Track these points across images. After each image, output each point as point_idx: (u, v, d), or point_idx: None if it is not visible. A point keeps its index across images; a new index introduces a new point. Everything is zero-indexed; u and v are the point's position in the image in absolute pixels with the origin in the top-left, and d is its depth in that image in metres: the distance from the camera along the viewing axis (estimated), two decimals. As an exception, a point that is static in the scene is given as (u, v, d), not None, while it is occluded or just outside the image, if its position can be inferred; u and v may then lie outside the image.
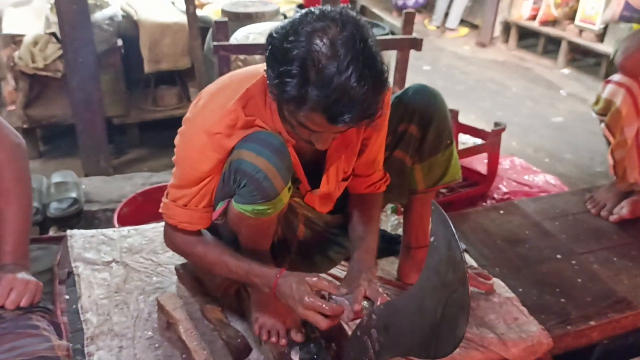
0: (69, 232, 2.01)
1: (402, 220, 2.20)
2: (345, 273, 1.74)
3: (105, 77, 3.34)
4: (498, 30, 5.79)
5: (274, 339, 1.53)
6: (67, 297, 1.76)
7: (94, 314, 1.70)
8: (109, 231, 2.05)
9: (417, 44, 2.64)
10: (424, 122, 1.62)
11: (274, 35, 1.17)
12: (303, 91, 1.11)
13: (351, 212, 1.60)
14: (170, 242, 1.52)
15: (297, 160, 1.40)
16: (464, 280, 0.92)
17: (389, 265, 1.94)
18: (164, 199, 1.46)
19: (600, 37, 4.91)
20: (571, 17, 5.19)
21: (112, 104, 3.47)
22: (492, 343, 1.66)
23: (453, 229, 0.92)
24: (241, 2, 3.17)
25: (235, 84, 1.34)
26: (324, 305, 1.24)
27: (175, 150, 1.40)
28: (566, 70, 5.18)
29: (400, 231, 2.14)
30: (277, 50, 1.14)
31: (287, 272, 1.32)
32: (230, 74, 1.42)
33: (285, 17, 3.23)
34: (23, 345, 1.23)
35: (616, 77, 2.10)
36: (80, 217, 2.48)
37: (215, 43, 2.50)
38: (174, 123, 3.75)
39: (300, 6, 3.35)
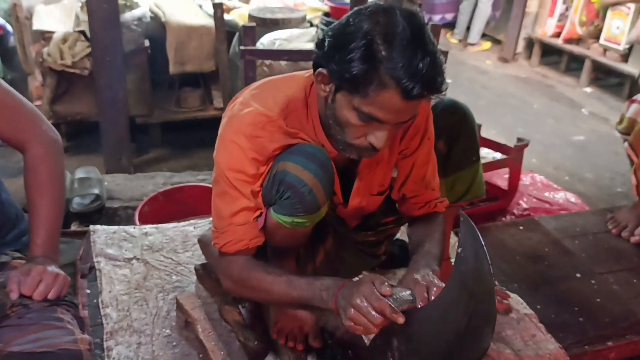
0: (92, 227, 2.04)
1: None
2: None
3: (130, 77, 3.38)
4: (521, 46, 5.77)
5: (291, 344, 1.54)
6: (88, 291, 1.79)
7: (114, 309, 1.72)
8: (130, 228, 2.08)
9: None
10: (451, 138, 1.63)
11: (331, 29, 1.20)
12: (371, 66, 1.11)
13: (409, 235, 1.57)
14: (226, 278, 1.42)
15: (336, 174, 1.39)
16: (491, 292, 0.92)
17: (407, 276, 1.93)
18: (213, 234, 1.39)
19: (625, 57, 4.86)
20: (596, 35, 5.16)
21: (136, 103, 3.51)
22: (508, 359, 1.65)
23: (482, 240, 0.92)
24: (268, 8, 3.20)
25: (274, 90, 1.34)
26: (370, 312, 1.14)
27: (215, 160, 1.35)
28: (589, 89, 5.15)
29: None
30: (337, 38, 1.17)
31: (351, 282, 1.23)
32: (266, 80, 1.42)
33: (311, 24, 3.26)
34: (47, 337, 1.24)
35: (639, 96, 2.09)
36: (102, 213, 2.51)
37: (242, 47, 2.53)
38: (196, 124, 3.87)
39: (327, 14, 3.37)
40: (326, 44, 1.19)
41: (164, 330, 1.68)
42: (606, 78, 5.32)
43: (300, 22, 3.07)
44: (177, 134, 3.89)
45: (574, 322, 1.84)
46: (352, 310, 1.14)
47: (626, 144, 2.15)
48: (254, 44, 2.60)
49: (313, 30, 3.07)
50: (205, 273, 1.81)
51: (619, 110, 4.60)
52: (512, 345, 1.70)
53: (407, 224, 1.62)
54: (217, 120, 4.06)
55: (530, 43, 5.74)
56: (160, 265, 1.91)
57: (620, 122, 2.17)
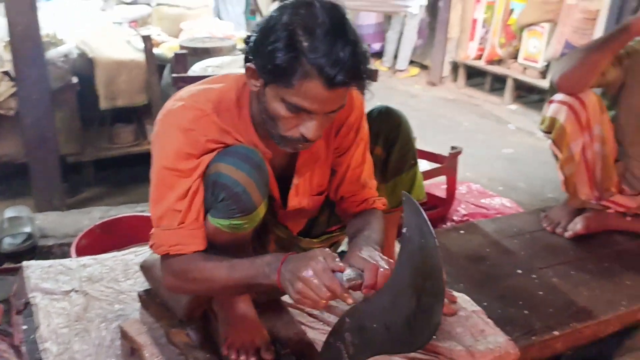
0: (24, 263, 1.95)
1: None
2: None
3: (59, 115, 3.28)
4: (447, 70, 6.00)
5: (243, 358, 1.50)
6: (24, 327, 1.69)
7: (54, 343, 1.63)
8: (66, 261, 2.00)
9: (372, 75, 2.72)
10: (388, 143, 1.66)
11: (257, 25, 1.22)
12: (294, 56, 1.12)
13: (348, 230, 1.55)
14: (168, 275, 1.38)
15: (272, 176, 1.40)
16: (438, 266, 0.93)
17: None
18: (151, 232, 1.37)
19: (543, 74, 5.14)
20: (515, 56, 5.44)
21: (66, 141, 3.40)
22: (460, 355, 1.67)
23: (425, 217, 0.94)
24: (198, 38, 3.21)
25: (207, 88, 1.35)
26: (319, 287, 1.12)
27: (152, 161, 1.33)
28: (513, 106, 5.39)
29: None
30: (261, 32, 1.18)
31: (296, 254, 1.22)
32: (200, 82, 1.42)
33: (241, 52, 3.29)
34: (-19, 368, 1.17)
35: (558, 96, 2.20)
36: (35, 252, 2.40)
37: (174, 75, 2.51)
38: (131, 160, 3.78)
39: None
40: (252, 39, 1.22)
41: (108, 359, 1.60)
42: (528, 95, 5.59)
43: (231, 50, 3.09)
44: (111, 171, 3.79)
45: (520, 315, 1.88)
46: (301, 284, 1.13)
47: (550, 141, 2.25)
48: (186, 72, 2.59)
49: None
50: (149, 299, 1.76)
51: (543, 124, 4.86)
52: (463, 342, 1.71)
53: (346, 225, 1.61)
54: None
55: (455, 66, 5.98)
56: (101, 296, 1.83)
57: (543, 122, 2.28)
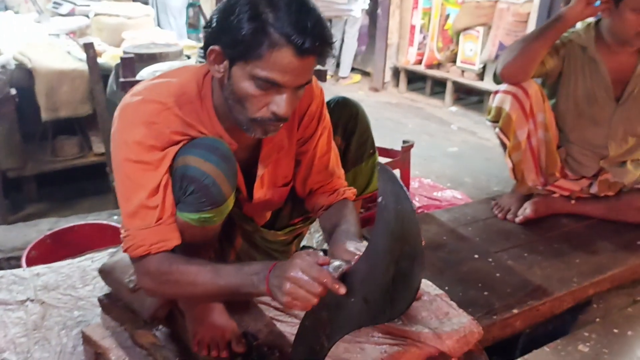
0: (-26, 275, 1.86)
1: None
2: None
3: (-2, 128, 3.17)
4: (389, 76, 6.13)
5: (214, 353, 1.48)
6: (-22, 339, 1.61)
7: (12, 353, 1.57)
8: (19, 271, 1.92)
9: (321, 75, 2.76)
10: (347, 133, 1.68)
11: (218, 8, 1.21)
12: (261, 27, 1.13)
13: (322, 224, 1.55)
14: (144, 276, 1.32)
15: (238, 167, 1.38)
16: (416, 229, 0.95)
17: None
18: (122, 235, 1.31)
19: (481, 76, 5.33)
20: (453, 59, 5.62)
21: (6, 156, 3.27)
22: (427, 338, 1.69)
23: (401, 182, 0.96)
24: (143, 44, 3.17)
25: (166, 82, 1.32)
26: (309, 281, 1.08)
27: (112, 156, 1.29)
28: (454, 108, 5.56)
29: (325, 246, 2.17)
30: (224, 12, 1.18)
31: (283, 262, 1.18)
32: (157, 76, 1.40)
33: (188, 57, 3.26)
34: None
35: (502, 86, 2.30)
36: (-19, 267, 2.29)
37: (122, 79, 2.47)
38: (76, 174, 3.66)
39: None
40: (214, 21, 1.20)
41: (71, 366, 1.55)
42: (467, 97, 5.78)
43: (177, 55, 3.06)
44: (55, 186, 3.66)
45: (480, 296, 1.94)
46: (288, 284, 1.09)
47: (497, 130, 2.34)
48: (134, 76, 2.55)
49: (192, 61, 3.07)
50: (110, 302, 1.71)
51: (482, 124, 5.05)
52: (429, 325, 1.75)
53: (318, 219, 1.60)
54: (98, 167, 3.89)
55: (396, 72, 6.12)
56: (58, 303, 1.77)
57: (489, 112, 2.37)
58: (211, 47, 1.21)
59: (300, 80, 1.21)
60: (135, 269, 1.33)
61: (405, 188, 0.95)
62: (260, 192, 1.49)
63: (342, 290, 1.07)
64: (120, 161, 1.26)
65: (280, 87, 1.19)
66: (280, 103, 1.21)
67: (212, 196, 1.25)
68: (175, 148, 1.27)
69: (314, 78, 1.41)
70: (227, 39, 1.17)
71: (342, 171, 1.60)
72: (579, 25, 2.30)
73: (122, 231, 1.31)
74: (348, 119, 1.68)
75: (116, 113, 1.29)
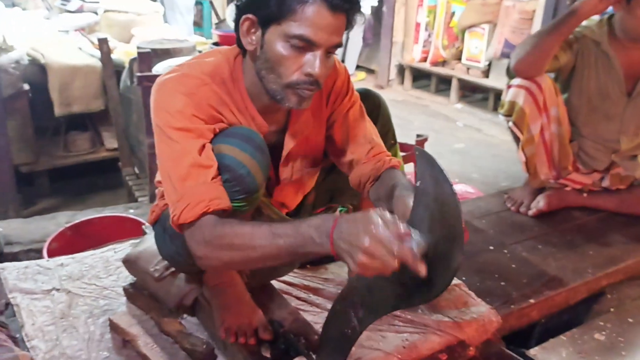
0: (0, 265, 1.88)
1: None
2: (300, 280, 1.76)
3: (11, 123, 3.19)
4: (393, 73, 6.16)
5: (242, 339, 1.50)
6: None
7: (41, 341, 1.59)
8: (43, 261, 1.95)
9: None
10: None
11: None
12: None
13: (375, 199, 1.47)
14: (198, 243, 1.24)
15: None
16: (457, 212, 0.97)
17: (338, 269, 1.97)
18: (172, 201, 1.25)
19: (486, 73, 5.35)
20: (458, 57, 5.64)
21: (19, 151, 3.30)
22: (448, 326, 1.73)
23: (440, 166, 0.98)
24: (156, 40, 3.19)
25: (200, 62, 1.35)
26: (395, 245, 0.98)
27: (154, 126, 1.29)
28: (459, 105, 5.58)
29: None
30: None
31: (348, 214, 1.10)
32: (189, 59, 1.42)
33: (200, 52, 3.28)
34: (-16, 357, 1.14)
35: (515, 81, 2.32)
36: (0, 259, 2.31)
37: (139, 74, 2.49)
38: (87, 169, 3.69)
39: (216, 44, 3.41)
40: None
41: (100, 353, 1.57)
42: (472, 95, 5.81)
43: (191, 51, 3.08)
44: (67, 181, 3.69)
45: (497, 286, 1.97)
46: (364, 256, 1.00)
47: (510, 123, 2.36)
48: (150, 70, 2.57)
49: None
50: (135, 292, 1.74)
51: (488, 121, 5.08)
52: (449, 314, 1.78)
53: (368, 194, 1.52)
54: (110, 162, 3.92)
55: (401, 69, 6.14)
56: (84, 292, 1.80)
57: (502, 106, 2.39)
58: (244, 17, 1.25)
59: (332, 39, 1.23)
60: (188, 237, 1.25)
61: (445, 171, 0.98)
62: (286, 171, 1.51)
63: (423, 271, 0.99)
64: (163, 129, 1.26)
65: (313, 46, 1.22)
66: (314, 63, 1.23)
67: (246, 185, 1.27)
68: (214, 126, 1.30)
69: (336, 59, 1.43)
70: (260, 3, 1.21)
71: (381, 142, 1.54)
72: (592, 20, 2.33)
73: (171, 200, 1.26)
74: (370, 110, 1.70)
75: (154, 89, 1.31)
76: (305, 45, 1.22)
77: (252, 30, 1.26)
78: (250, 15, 1.24)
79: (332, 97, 1.51)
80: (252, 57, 1.31)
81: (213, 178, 1.23)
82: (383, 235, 0.99)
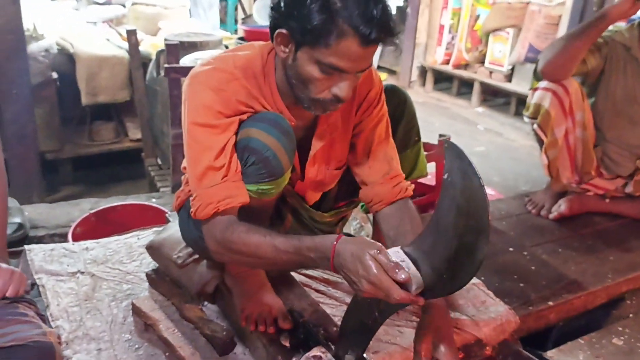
0: (26, 246, 1.93)
1: (363, 224, 2.29)
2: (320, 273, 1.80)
3: (39, 111, 3.25)
4: (415, 75, 6.16)
5: (262, 328, 1.52)
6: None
7: (66, 321, 1.62)
8: (69, 245, 1.99)
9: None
10: (394, 120, 1.70)
11: None
12: (329, 17, 1.16)
13: (384, 228, 1.56)
14: (211, 240, 1.33)
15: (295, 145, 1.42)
16: (484, 204, 0.99)
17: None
18: (191, 198, 1.33)
19: (509, 77, 5.34)
20: (481, 60, 5.63)
21: (45, 138, 3.37)
22: (465, 325, 1.73)
23: (469, 159, 1.00)
24: (183, 33, 3.23)
25: (232, 55, 1.37)
26: (395, 290, 1.08)
27: (182, 121, 1.34)
28: (480, 109, 5.57)
29: (362, 234, 2.21)
30: None
31: (345, 239, 1.16)
32: (223, 52, 1.45)
33: (227, 47, 3.32)
34: (14, 332, 1.16)
35: (542, 83, 2.32)
36: (26, 242, 2.36)
37: (166, 65, 2.53)
38: (110, 159, 3.75)
39: (242, 39, 3.45)
40: (282, 5, 1.24)
41: (123, 335, 1.60)
42: (494, 99, 5.79)
43: (217, 44, 3.12)
44: (89, 170, 3.75)
45: (516, 287, 1.97)
46: (368, 285, 1.10)
47: (535, 125, 2.36)
48: (178, 62, 2.61)
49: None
50: (158, 278, 1.77)
51: (509, 125, 5.06)
52: (467, 312, 1.78)
53: (375, 215, 1.60)
54: (133, 153, 3.98)
55: (423, 71, 6.14)
56: (108, 276, 1.83)
57: (527, 109, 2.39)
58: (279, 30, 1.26)
59: (363, 65, 1.26)
60: (204, 231, 1.34)
61: (473, 164, 0.99)
62: (312, 171, 1.54)
63: (421, 302, 1.10)
64: (189, 125, 1.31)
65: (343, 73, 1.24)
66: (342, 87, 1.26)
67: (271, 168, 1.30)
68: (241, 117, 1.33)
69: (373, 68, 1.45)
70: (296, 26, 1.21)
71: (399, 165, 1.58)
72: (618, 25, 2.32)
73: (192, 195, 1.34)
74: (396, 106, 1.71)
75: (186, 82, 1.34)
76: (335, 71, 1.24)
77: (285, 43, 1.27)
78: (284, 31, 1.25)
79: (363, 105, 1.53)
80: (283, 62, 1.33)
81: (224, 177, 1.29)
82: (381, 281, 1.08)
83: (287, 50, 1.28)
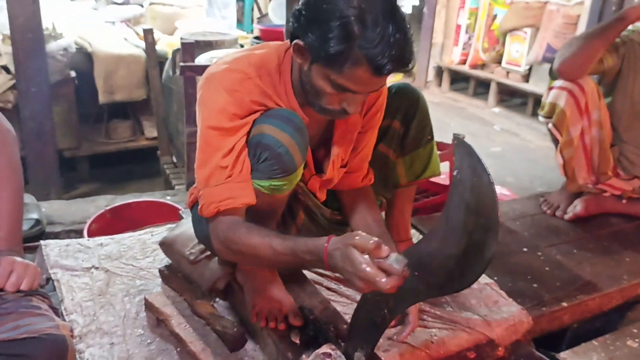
0: (42, 242, 1.96)
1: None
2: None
3: (57, 109, 3.30)
4: (431, 75, 6.13)
5: (272, 324, 1.53)
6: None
7: (79, 315, 1.64)
8: (84, 240, 2.01)
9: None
10: (407, 118, 1.72)
11: (305, 3, 1.24)
12: (347, 46, 1.16)
13: (352, 207, 1.65)
14: (215, 239, 1.36)
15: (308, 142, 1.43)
16: (493, 201, 0.98)
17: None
18: (199, 197, 1.36)
19: (526, 77, 5.29)
20: (498, 60, 5.59)
21: (63, 136, 3.42)
22: (477, 324, 1.72)
23: (478, 156, 0.99)
24: (199, 32, 3.25)
25: (248, 54, 1.38)
26: (381, 279, 1.07)
27: (197, 121, 1.36)
28: (496, 109, 5.53)
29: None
30: (313, 12, 1.21)
31: (334, 240, 1.15)
32: (239, 50, 1.46)
33: (242, 46, 3.33)
34: (27, 324, 1.18)
35: (558, 82, 2.29)
36: (43, 238, 2.39)
37: (182, 64, 2.55)
38: (126, 157, 3.79)
39: (257, 38, 3.46)
40: (303, 17, 1.24)
41: (135, 330, 1.62)
42: (510, 99, 5.75)
43: (232, 43, 3.13)
44: (106, 168, 3.80)
45: (529, 288, 1.95)
46: (360, 282, 1.09)
47: (550, 125, 2.33)
48: (193, 61, 2.62)
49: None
50: (170, 274, 1.78)
51: (526, 126, 5.02)
52: (479, 312, 1.77)
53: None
54: (149, 151, 4.02)
55: (439, 71, 6.12)
56: (121, 272, 1.85)
57: (542, 108, 2.37)
58: (297, 42, 1.26)
59: (375, 88, 1.28)
60: (210, 228, 1.37)
61: (483, 161, 0.98)
62: (331, 173, 1.55)
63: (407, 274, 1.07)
64: (203, 128, 1.33)
65: (354, 93, 1.26)
66: (352, 104, 1.29)
67: (284, 164, 1.31)
68: (254, 117, 1.34)
69: None
70: (313, 45, 1.21)
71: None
72: (636, 25, 2.29)
73: (199, 194, 1.36)
74: (409, 105, 1.71)
75: (201, 82, 1.36)
76: (347, 90, 1.25)
77: (302, 53, 1.27)
78: (302, 44, 1.25)
79: (372, 110, 1.55)
80: (299, 66, 1.33)
81: (227, 177, 1.30)
82: (367, 274, 1.06)
83: (303, 59, 1.29)
